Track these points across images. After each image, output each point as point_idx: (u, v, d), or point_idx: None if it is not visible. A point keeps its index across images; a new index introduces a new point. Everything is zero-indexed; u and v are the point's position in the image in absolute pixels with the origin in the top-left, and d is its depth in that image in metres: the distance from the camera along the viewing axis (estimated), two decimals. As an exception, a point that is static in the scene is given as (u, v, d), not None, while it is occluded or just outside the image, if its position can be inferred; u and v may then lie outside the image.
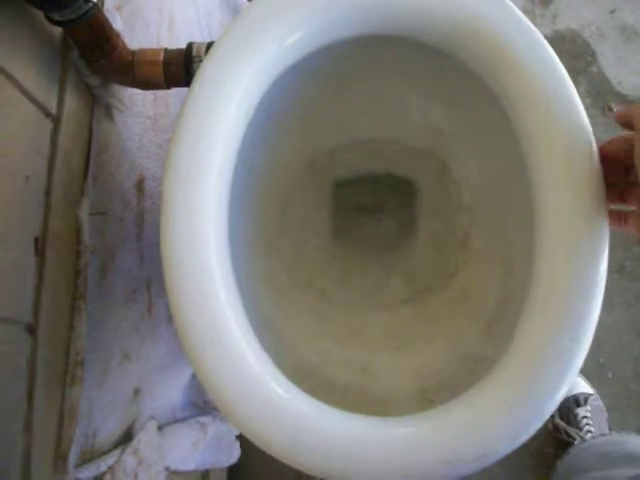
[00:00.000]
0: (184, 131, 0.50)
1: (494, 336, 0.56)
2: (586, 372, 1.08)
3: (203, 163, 0.49)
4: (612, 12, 1.23)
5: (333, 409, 0.44)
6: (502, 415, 0.42)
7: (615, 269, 1.15)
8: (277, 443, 0.42)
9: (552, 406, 0.43)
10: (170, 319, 0.83)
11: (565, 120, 0.50)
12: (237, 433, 0.98)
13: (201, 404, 0.96)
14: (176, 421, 0.83)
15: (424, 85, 0.62)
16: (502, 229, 0.61)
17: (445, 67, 0.55)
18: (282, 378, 0.45)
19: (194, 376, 0.94)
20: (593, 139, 0.50)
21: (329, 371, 0.57)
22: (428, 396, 0.55)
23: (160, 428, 0.75)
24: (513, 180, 0.55)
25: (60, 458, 0.55)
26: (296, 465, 0.42)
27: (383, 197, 0.74)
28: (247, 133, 0.54)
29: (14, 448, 0.50)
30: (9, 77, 0.49)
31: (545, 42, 0.51)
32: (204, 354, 0.43)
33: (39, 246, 0.54)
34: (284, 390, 0.44)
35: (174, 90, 0.79)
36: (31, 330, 0.52)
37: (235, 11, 1.08)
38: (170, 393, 0.84)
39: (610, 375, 1.11)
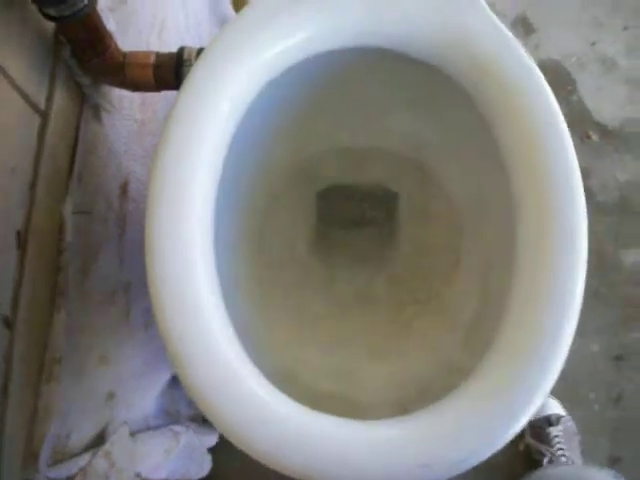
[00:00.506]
0: (172, 134, 0.50)
1: (471, 346, 0.56)
2: (560, 396, 1.09)
3: (190, 167, 0.49)
4: (593, 44, 1.26)
5: (314, 412, 0.44)
6: (479, 421, 0.43)
7: (589, 294, 1.17)
8: (258, 445, 0.42)
9: (527, 413, 0.43)
10: (148, 325, 0.83)
11: (545, 132, 0.51)
12: (209, 446, 0.97)
13: (174, 413, 0.96)
14: (149, 429, 0.82)
15: (410, 97, 0.63)
16: (481, 240, 0.62)
17: (432, 80, 0.56)
18: (264, 381, 0.45)
19: (169, 385, 0.93)
20: (574, 156, 0.52)
21: (309, 377, 0.57)
22: (407, 405, 0.55)
23: (133, 434, 0.74)
24: (494, 193, 0.57)
25: (31, 455, 0.54)
26: (276, 467, 0.42)
27: (367, 206, 0.75)
28: (234, 139, 0.54)
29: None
30: (1, 69, 0.50)
31: (531, 61, 0.53)
32: (187, 356, 0.43)
33: (21, 240, 0.53)
34: (266, 393, 0.44)
35: (162, 95, 0.79)
36: (8, 324, 0.52)
37: (223, 22, 1.10)
38: (144, 400, 0.83)
39: (584, 399, 1.12)
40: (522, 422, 0.43)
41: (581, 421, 1.09)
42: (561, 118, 0.51)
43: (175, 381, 0.94)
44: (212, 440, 0.97)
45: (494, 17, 0.54)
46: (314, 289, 0.70)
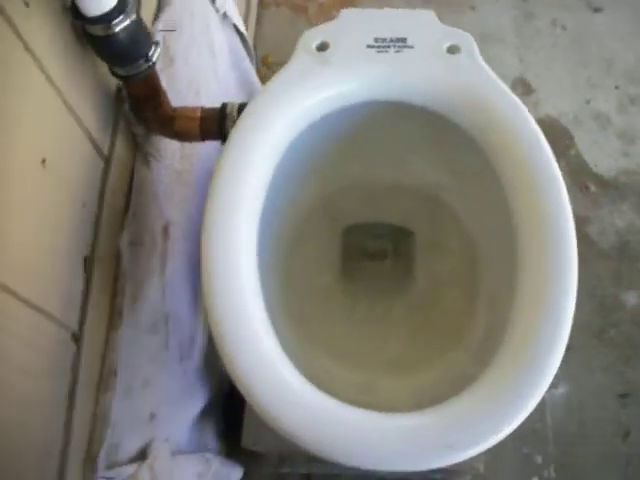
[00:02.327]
0: (222, 178, 0.59)
1: (481, 358, 0.63)
2: (569, 432, 1.13)
3: (238, 206, 0.58)
4: (587, 102, 1.36)
5: (341, 403, 0.51)
6: (490, 408, 0.50)
7: (594, 335, 1.22)
8: (291, 426, 0.49)
9: (530, 403, 0.50)
10: (182, 358, 0.89)
11: (542, 174, 0.60)
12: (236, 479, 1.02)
13: (203, 447, 1.01)
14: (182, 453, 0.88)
15: (425, 142, 0.72)
16: (491, 268, 0.70)
17: (443, 130, 0.66)
18: (305, 380, 0.52)
19: (199, 418, 0.99)
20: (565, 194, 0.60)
21: (335, 389, 0.64)
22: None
23: (172, 454, 0.80)
24: (500, 226, 0.64)
25: (90, 458, 0.61)
26: (306, 446, 0.49)
27: (387, 241, 0.83)
28: (272, 182, 0.63)
29: (55, 439, 0.56)
30: (77, 118, 0.59)
31: (528, 114, 0.62)
32: (237, 353, 0.51)
33: (87, 265, 0.61)
34: (299, 382, 0.51)
35: (198, 151, 0.89)
36: (76, 339, 0.59)
37: (248, 87, 1.20)
38: (180, 426, 0.88)
39: (593, 436, 1.15)
40: (528, 409, 0.50)
41: (591, 457, 1.12)
42: (554, 163, 0.60)
43: (204, 416, 0.99)
44: (237, 475, 1.02)
45: (494, 75, 0.64)
46: (338, 314, 0.78)
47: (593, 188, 1.30)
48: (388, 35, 0.64)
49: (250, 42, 1.23)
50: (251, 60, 1.18)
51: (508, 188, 0.60)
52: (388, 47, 0.63)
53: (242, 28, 1.11)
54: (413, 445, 0.48)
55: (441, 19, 0.67)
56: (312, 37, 0.65)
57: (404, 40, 0.64)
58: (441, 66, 0.62)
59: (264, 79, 1.33)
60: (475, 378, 0.54)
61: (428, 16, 0.66)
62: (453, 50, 0.63)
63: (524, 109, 0.61)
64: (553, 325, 0.54)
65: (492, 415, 0.49)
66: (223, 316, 0.51)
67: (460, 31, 0.65)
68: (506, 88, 0.62)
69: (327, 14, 1.48)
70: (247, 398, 0.50)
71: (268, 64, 1.40)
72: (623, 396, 1.17)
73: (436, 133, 0.67)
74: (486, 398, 0.50)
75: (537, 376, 0.50)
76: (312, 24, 1.49)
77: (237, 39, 1.12)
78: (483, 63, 0.63)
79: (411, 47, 0.63)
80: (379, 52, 0.63)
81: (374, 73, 0.63)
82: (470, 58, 0.63)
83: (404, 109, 0.64)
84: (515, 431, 1.15)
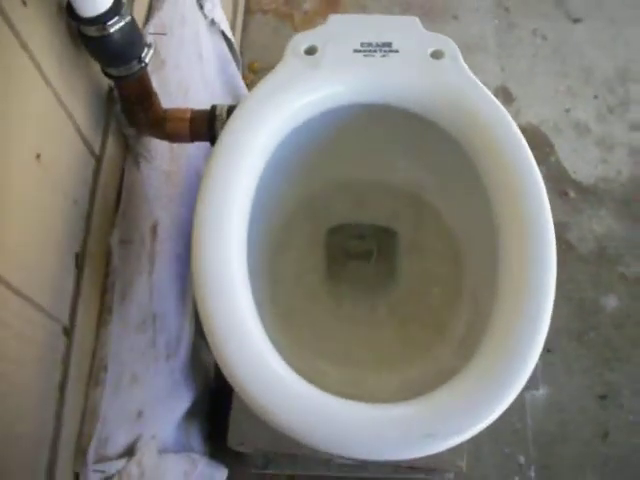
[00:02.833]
0: (212, 179, 0.61)
1: (463, 353, 0.65)
2: (550, 432, 1.15)
3: (228, 206, 0.60)
4: (567, 111, 1.40)
5: (328, 394, 0.52)
6: (471, 400, 0.51)
7: (574, 338, 1.25)
8: (279, 416, 0.51)
9: (509, 396, 0.52)
10: (169, 356, 0.90)
11: (523, 177, 0.62)
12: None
13: (188, 448, 1.01)
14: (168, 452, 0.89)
15: (407, 142, 0.74)
16: (474, 266, 0.72)
17: (427, 132, 0.68)
18: (292, 370, 0.54)
19: (184, 418, 1.00)
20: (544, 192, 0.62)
21: (323, 385, 0.65)
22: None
23: (159, 452, 0.81)
24: (482, 223, 0.66)
25: (80, 451, 0.62)
26: (294, 437, 0.51)
27: (371, 242, 0.85)
28: (260, 183, 0.65)
29: (46, 432, 0.57)
30: (70, 117, 0.60)
31: (510, 118, 0.64)
32: (227, 344, 0.52)
33: (79, 261, 0.63)
34: (293, 379, 0.53)
35: (187, 152, 0.91)
36: (67, 332, 0.60)
37: (233, 91, 1.22)
38: (166, 425, 0.89)
39: (573, 436, 1.18)
40: (506, 402, 0.51)
41: (571, 457, 1.15)
42: (535, 165, 0.62)
43: (189, 416, 1.00)
44: (222, 475, 1.03)
45: (477, 80, 0.66)
46: (325, 312, 0.79)
47: (572, 194, 1.33)
48: (374, 40, 0.66)
49: (237, 48, 1.25)
50: (237, 65, 1.20)
51: (490, 190, 0.62)
52: (374, 51, 0.65)
53: (229, 34, 1.13)
54: (395, 434, 0.50)
55: (424, 28, 0.70)
56: (301, 41, 0.67)
57: (389, 45, 0.66)
58: (425, 70, 0.65)
59: (250, 85, 1.35)
60: (457, 371, 0.56)
61: (412, 22, 0.69)
62: (437, 55, 0.66)
63: (506, 113, 0.64)
64: (532, 322, 0.56)
65: (472, 406, 0.51)
66: (213, 310, 0.53)
67: (443, 36, 0.67)
68: (489, 92, 0.64)
69: (312, 21, 1.51)
70: (235, 388, 0.52)
71: (254, 70, 1.42)
72: (602, 397, 1.19)
73: (420, 135, 0.69)
74: (466, 390, 0.52)
75: (515, 371, 0.52)
76: (297, 31, 1.51)
77: (224, 45, 1.14)
78: (466, 68, 0.66)
79: (396, 51, 0.65)
80: (366, 56, 0.65)
81: (361, 76, 0.65)
82: (453, 63, 0.65)
83: (389, 112, 0.66)
84: (496, 431, 1.17)
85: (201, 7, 1.03)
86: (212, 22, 1.07)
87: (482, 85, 0.65)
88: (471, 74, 0.66)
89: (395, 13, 1.52)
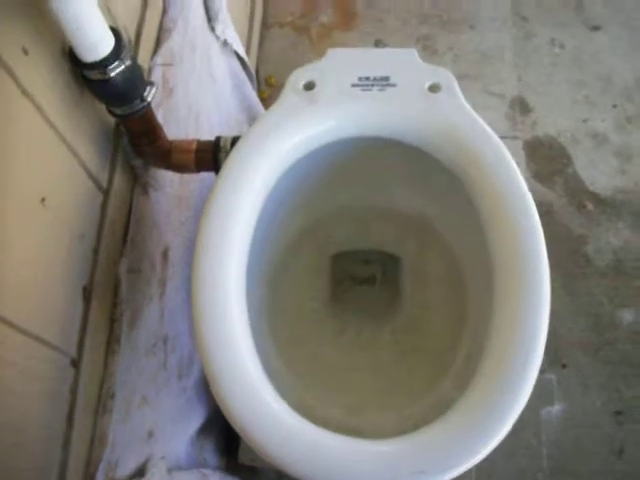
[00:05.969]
0: (213, 209, 0.62)
1: (460, 384, 0.65)
2: (565, 448, 1.15)
3: (228, 236, 0.61)
4: (585, 121, 1.38)
5: (325, 431, 0.54)
6: (464, 434, 0.52)
7: (590, 352, 1.24)
8: (275, 453, 0.52)
9: (502, 429, 0.52)
10: (181, 376, 0.92)
11: (519, 213, 0.62)
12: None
13: (202, 462, 1.03)
14: (180, 469, 0.91)
15: (407, 173, 0.75)
16: (474, 295, 0.73)
17: (426, 164, 0.68)
18: (290, 409, 0.55)
19: (197, 435, 1.02)
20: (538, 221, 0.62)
21: (324, 413, 0.67)
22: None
23: (169, 471, 0.83)
24: (483, 258, 0.67)
25: (89, 477, 0.64)
26: (291, 473, 0.52)
27: (375, 267, 0.86)
28: (262, 213, 0.66)
29: (53, 461, 0.59)
30: (75, 155, 0.62)
31: (506, 151, 0.64)
32: (225, 383, 0.54)
33: (86, 294, 0.65)
34: (292, 418, 0.54)
35: (197, 177, 0.92)
36: (75, 364, 0.63)
37: (249, 111, 1.24)
38: (178, 444, 0.91)
39: (588, 453, 1.17)
40: (500, 435, 0.52)
41: (586, 473, 1.14)
42: (531, 200, 0.62)
43: (203, 432, 1.02)
44: (236, 490, 1.05)
45: (474, 113, 0.66)
46: (327, 339, 0.80)
47: (590, 206, 1.32)
48: (372, 74, 0.67)
49: (253, 63, 1.26)
50: (252, 84, 1.22)
51: (486, 225, 0.63)
52: (372, 86, 0.66)
53: (243, 54, 1.14)
54: (387, 472, 0.51)
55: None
56: (300, 76, 0.68)
57: (387, 79, 0.67)
58: (422, 104, 0.65)
59: (268, 100, 1.37)
60: (451, 404, 0.57)
61: (410, 54, 0.69)
62: (434, 89, 0.66)
63: (502, 146, 0.64)
64: (524, 359, 0.56)
65: (464, 442, 0.52)
66: (209, 341, 0.55)
67: (441, 69, 0.68)
68: (485, 126, 0.65)
69: (329, 35, 1.52)
70: (231, 423, 0.53)
71: (272, 84, 1.43)
72: (618, 413, 1.18)
73: (419, 167, 0.70)
74: (459, 425, 0.53)
75: (507, 406, 0.53)
76: (314, 44, 1.53)
77: (238, 64, 1.15)
78: (463, 101, 0.66)
79: (394, 85, 0.66)
80: (363, 90, 0.66)
81: (358, 111, 0.66)
82: (451, 96, 0.66)
83: (387, 144, 0.67)
84: (510, 447, 1.17)
85: (213, 29, 1.05)
86: (225, 43, 1.09)
87: (479, 118, 0.65)
88: (468, 107, 0.66)
89: (412, 25, 1.52)
